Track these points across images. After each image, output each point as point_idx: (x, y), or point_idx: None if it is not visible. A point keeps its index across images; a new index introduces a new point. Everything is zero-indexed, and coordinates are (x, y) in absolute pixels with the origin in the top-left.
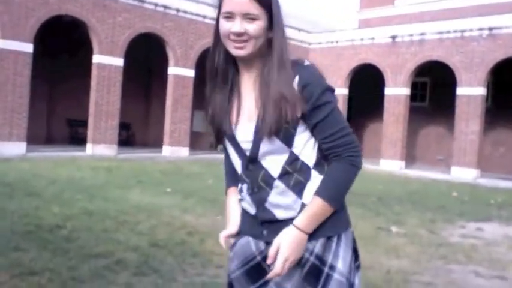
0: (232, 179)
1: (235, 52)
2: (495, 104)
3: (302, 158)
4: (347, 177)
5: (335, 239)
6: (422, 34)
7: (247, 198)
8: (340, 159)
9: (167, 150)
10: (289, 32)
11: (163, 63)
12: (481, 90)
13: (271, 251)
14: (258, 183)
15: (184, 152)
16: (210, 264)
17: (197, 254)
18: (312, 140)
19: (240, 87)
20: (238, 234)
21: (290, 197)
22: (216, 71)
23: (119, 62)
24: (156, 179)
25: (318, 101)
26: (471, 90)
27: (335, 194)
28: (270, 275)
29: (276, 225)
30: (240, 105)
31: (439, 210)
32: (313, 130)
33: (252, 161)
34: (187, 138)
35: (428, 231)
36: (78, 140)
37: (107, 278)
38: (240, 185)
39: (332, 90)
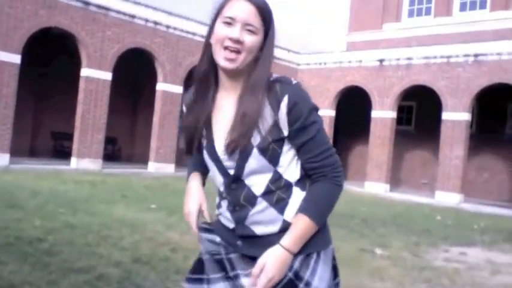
0: (199, 169)
1: (223, 63)
2: (479, 130)
3: (285, 176)
4: (332, 196)
5: (314, 256)
6: (409, 59)
7: (227, 214)
8: (325, 179)
9: (153, 166)
10: (279, 53)
11: (152, 79)
12: (465, 116)
13: (255, 270)
14: (239, 202)
15: (169, 168)
16: None
17: (180, 271)
18: (295, 158)
19: (221, 103)
20: (209, 225)
21: (271, 214)
22: (201, 79)
23: (107, 76)
24: (141, 195)
25: (306, 121)
26: (456, 115)
27: (321, 213)
28: None
29: (251, 240)
30: (223, 122)
31: (423, 234)
32: (299, 149)
33: (235, 180)
34: (173, 155)
35: (412, 254)
36: (63, 153)
37: None
38: (218, 200)
39: (317, 109)
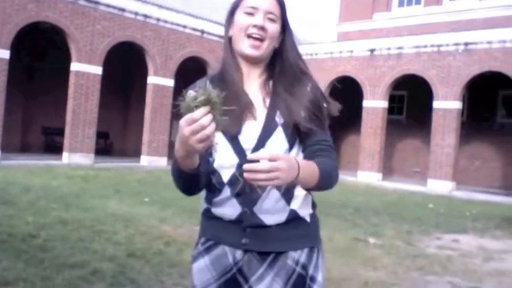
0: None
1: (248, 51)
2: (470, 118)
3: None
4: (333, 175)
5: (316, 250)
6: (399, 48)
7: (231, 200)
8: (330, 159)
9: (145, 160)
10: None
11: (143, 72)
12: (456, 104)
13: (259, 152)
14: (252, 184)
15: (162, 162)
16: (187, 274)
17: (175, 265)
18: (300, 149)
19: (244, 89)
20: (208, 241)
21: (279, 203)
22: (228, 68)
23: (98, 70)
24: (134, 189)
25: (322, 114)
26: (447, 104)
27: (325, 178)
28: (246, 166)
29: (259, 231)
30: (244, 105)
31: (416, 222)
32: (311, 130)
33: (252, 160)
34: (166, 148)
35: (405, 243)
36: (54, 148)
37: None
38: (220, 190)
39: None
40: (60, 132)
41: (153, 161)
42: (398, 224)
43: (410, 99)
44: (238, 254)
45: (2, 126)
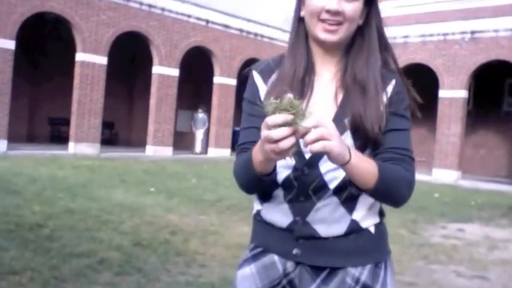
0: None
1: (323, 36)
2: (476, 107)
3: None
4: (401, 183)
5: (382, 266)
6: (405, 37)
7: (283, 206)
8: (402, 168)
9: (150, 150)
10: (265, 31)
11: (148, 62)
12: (462, 93)
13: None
14: (307, 191)
15: (167, 151)
16: (193, 263)
17: (181, 254)
18: (373, 153)
19: (315, 76)
20: (257, 248)
21: (338, 212)
22: (295, 55)
23: (103, 60)
24: (139, 179)
25: (404, 111)
26: (453, 93)
27: (387, 182)
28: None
29: (313, 242)
30: (311, 95)
31: (421, 211)
32: (385, 134)
33: (310, 164)
34: (171, 138)
35: (409, 232)
36: (60, 138)
37: (89, 277)
38: (273, 191)
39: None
40: (66, 122)
41: (158, 151)
42: (403, 213)
43: (416, 88)
44: (289, 265)
45: (9, 116)
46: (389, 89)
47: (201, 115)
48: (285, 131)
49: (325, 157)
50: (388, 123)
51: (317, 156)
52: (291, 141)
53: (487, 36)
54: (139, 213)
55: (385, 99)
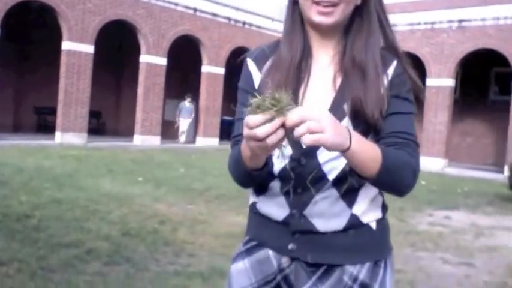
0: None
1: (318, 18)
2: (463, 96)
3: None
4: (406, 170)
5: (382, 264)
6: (393, 25)
7: (279, 198)
8: (406, 151)
9: (138, 139)
10: (261, 22)
11: (135, 51)
12: (450, 82)
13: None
14: (304, 182)
15: (155, 140)
16: (182, 252)
17: (169, 243)
18: (373, 138)
19: (312, 60)
20: (251, 241)
21: (338, 206)
22: (291, 42)
23: (89, 49)
24: (127, 168)
25: (407, 94)
26: (440, 82)
27: (391, 168)
28: (288, 121)
29: (310, 237)
30: (307, 81)
31: (408, 199)
32: (386, 118)
33: (307, 153)
34: (159, 127)
35: (397, 219)
36: (47, 128)
37: (77, 267)
38: (269, 183)
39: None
40: (53, 111)
41: (146, 140)
42: (391, 201)
43: None
44: (284, 260)
45: None
46: (391, 70)
47: (188, 104)
48: (269, 128)
49: None
50: (390, 107)
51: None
52: (278, 135)
53: (474, 25)
54: (127, 203)
55: (386, 81)
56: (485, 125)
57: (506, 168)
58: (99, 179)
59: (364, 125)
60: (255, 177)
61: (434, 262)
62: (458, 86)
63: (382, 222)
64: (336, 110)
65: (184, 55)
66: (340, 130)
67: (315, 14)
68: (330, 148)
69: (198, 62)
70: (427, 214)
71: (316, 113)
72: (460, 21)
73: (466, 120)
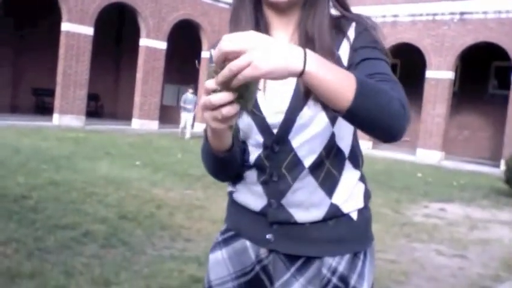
0: None
1: None
2: (462, 89)
3: (339, 142)
4: (390, 100)
5: (361, 256)
6: (395, 16)
7: (256, 188)
8: (388, 86)
9: (136, 123)
10: None
11: (135, 34)
12: (449, 74)
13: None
14: (280, 170)
15: (153, 125)
16: (178, 237)
17: (166, 227)
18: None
19: None
20: (229, 231)
21: (317, 195)
22: (238, 20)
23: (89, 31)
24: (125, 152)
25: (374, 44)
26: (440, 74)
27: (370, 94)
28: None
29: (288, 228)
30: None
31: (404, 191)
32: (355, 68)
33: (279, 140)
34: (157, 112)
35: (393, 211)
36: (45, 109)
37: (74, 249)
38: (245, 172)
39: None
40: (51, 93)
41: (144, 124)
42: (387, 192)
43: (403, 68)
44: (263, 251)
45: None
46: (351, 32)
47: (191, 95)
48: (227, 96)
49: (295, 129)
50: (357, 57)
51: (286, 130)
52: (235, 108)
53: (475, 18)
54: (125, 187)
55: (348, 45)
56: (483, 118)
57: (502, 162)
58: (96, 162)
59: (315, 101)
60: (224, 162)
61: (429, 253)
62: (458, 78)
63: (363, 212)
64: (298, 94)
65: (184, 40)
66: (281, 49)
67: None
68: (271, 74)
69: (198, 47)
70: (422, 206)
71: (238, 39)
72: (462, 13)
73: (464, 114)
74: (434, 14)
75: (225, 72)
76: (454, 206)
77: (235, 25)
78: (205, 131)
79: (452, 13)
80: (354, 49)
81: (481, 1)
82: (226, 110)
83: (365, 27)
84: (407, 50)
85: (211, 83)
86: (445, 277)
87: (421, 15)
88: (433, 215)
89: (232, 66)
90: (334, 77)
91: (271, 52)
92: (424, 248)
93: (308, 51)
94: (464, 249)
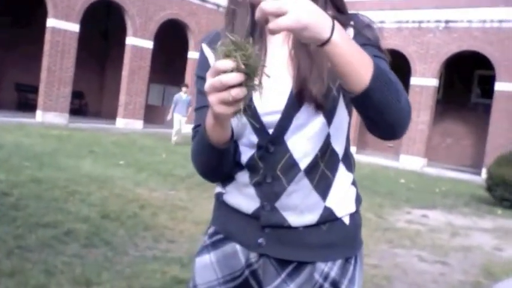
0: None
1: None
2: (446, 97)
3: (334, 144)
4: (397, 85)
5: (352, 261)
6: (381, 22)
7: (248, 189)
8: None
9: (121, 122)
10: None
11: (121, 32)
12: (434, 82)
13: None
14: (275, 171)
15: (138, 124)
16: (161, 238)
17: (149, 228)
18: (347, 118)
19: (266, 40)
20: (217, 234)
21: (311, 198)
22: (233, 14)
23: (75, 27)
24: (109, 151)
25: (371, 42)
26: (424, 81)
27: (383, 77)
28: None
29: (281, 232)
30: (264, 63)
31: (387, 196)
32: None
33: (274, 140)
34: (142, 111)
35: (376, 216)
36: (28, 106)
37: (55, 248)
38: (236, 173)
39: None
40: (34, 90)
41: (129, 124)
42: (371, 197)
43: None
44: (253, 255)
45: None
46: (349, 31)
47: (184, 96)
48: (238, 76)
49: (291, 130)
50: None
51: (282, 131)
52: (243, 91)
53: (460, 26)
54: (108, 186)
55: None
56: (466, 126)
57: (483, 171)
58: (80, 160)
59: (312, 103)
60: (223, 156)
61: (411, 259)
62: (442, 86)
63: (355, 217)
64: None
65: (171, 40)
66: (319, 12)
67: None
68: (304, 32)
69: (184, 48)
70: (405, 212)
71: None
72: (447, 21)
73: (447, 121)
74: (420, 22)
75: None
76: (436, 212)
77: (231, 20)
78: (200, 126)
79: (437, 21)
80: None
81: (466, 10)
82: (236, 92)
83: (363, 24)
84: (393, 57)
85: (225, 64)
86: (427, 283)
87: (407, 22)
88: (415, 221)
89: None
90: (356, 53)
91: (311, 10)
92: (406, 253)
93: (336, 22)
94: (445, 255)
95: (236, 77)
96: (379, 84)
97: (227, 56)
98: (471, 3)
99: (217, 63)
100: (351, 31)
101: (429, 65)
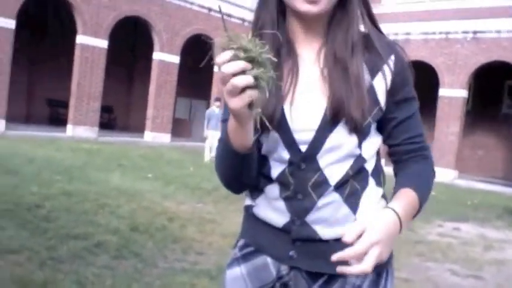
0: None
1: (304, 8)
2: (475, 108)
3: (365, 162)
4: (432, 183)
5: (384, 275)
6: (407, 34)
7: (277, 203)
8: (427, 162)
9: (149, 136)
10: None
11: (148, 48)
12: (462, 93)
13: (353, 229)
14: (306, 188)
15: (165, 138)
16: (190, 250)
17: (178, 240)
18: (379, 139)
19: (297, 57)
20: (248, 246)
21: (342, 211)
22: (261, 25)
23: (103, 43)
24: (137, 164)
25: (411, 93)
26: (453, 92)
27: (425, 196)
28: (344, 254)
29: (311, 245)
30: (296, 79)
31: None
32: (395, 127)
33: (307, 157)
34: (170, 125)
35: (406, 229)
36: (59, 120)
37: (86, 259)
38: (266, 186)
39: None
40: (65, 104)
41: (156, 137)
42: None
43: (416, 86)
44: (284, 267)
45: (7, 96)
46: (387, 69)
47: (217, 110)
48: (235, 64)
49: (324, 149)
50: (401, 112)
51: (314, 149)
52: (246, 79)
53: (488, 37)
54: (137, 199)
55: (383, 83)
56: (496, 137)
57: None
58: (109, 174)
59: (347, 126)
60: (244, 163)
61: (443, 273)
62: (471, 97)
63: None
64: (325, 117)
65: (196, 54)
66: (390, 229)
67: (301, 3)
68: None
69: (210, 62)
70: (436, 225)
71: (372, 235)
72: (475, 32)
73: (477, 132)
74: (447, 33)
75: (356, 251)
76: (468, 225)
77: (258, 29)
78: (224, 132)
79: (465, 32)
80: (394, 100)
81: (495, 20)
82: (237, 80)
83: (402, 64)
84: (420, 68)
85: (222, 56)
86: None
87: (434, 33)
88: (447, 234)
89: (364, 252)
90: (412, 213)
91: (390, 238)
92: (438, 267)
93: (400, 214)
94: (479, 269)
95: (233, 65)
96: (422, 206)
97: (224, 50)
98: (499, 13)
99: (216, 58)
100: (387, 69)
101: (457, 76)
